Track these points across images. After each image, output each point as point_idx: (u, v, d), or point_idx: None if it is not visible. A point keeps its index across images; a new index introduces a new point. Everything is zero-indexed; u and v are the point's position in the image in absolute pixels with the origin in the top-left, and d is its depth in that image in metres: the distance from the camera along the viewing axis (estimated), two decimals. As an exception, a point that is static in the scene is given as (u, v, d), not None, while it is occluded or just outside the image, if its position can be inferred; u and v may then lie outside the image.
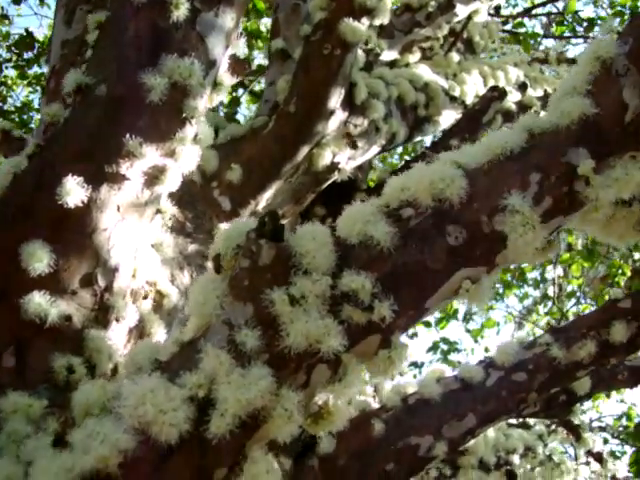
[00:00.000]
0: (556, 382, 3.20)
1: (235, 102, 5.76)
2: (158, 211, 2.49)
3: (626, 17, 5.30)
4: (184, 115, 2.32)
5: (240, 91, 6.48)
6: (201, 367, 1.78)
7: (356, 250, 1.90)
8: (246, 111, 8.56)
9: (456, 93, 4.27)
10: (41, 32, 8.18)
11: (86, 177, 2.18)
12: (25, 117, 8.23)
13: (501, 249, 1.94)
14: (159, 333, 2.55)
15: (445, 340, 7.44)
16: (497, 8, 5.40)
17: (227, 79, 2.56)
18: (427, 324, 7.40)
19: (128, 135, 2.23)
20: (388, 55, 4.15)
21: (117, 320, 2.35)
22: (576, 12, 5.48)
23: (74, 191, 2.13)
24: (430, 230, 1.93)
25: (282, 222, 1.88)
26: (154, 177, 2.31)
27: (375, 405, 3.16)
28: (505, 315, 8.48)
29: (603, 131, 2.00)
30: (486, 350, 7.82)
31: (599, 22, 5.51)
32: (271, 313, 1.80)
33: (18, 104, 8.25)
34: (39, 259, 2.13)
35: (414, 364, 7.41)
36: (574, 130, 2.00)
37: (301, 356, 1.80)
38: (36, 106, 8.23)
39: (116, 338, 2.36)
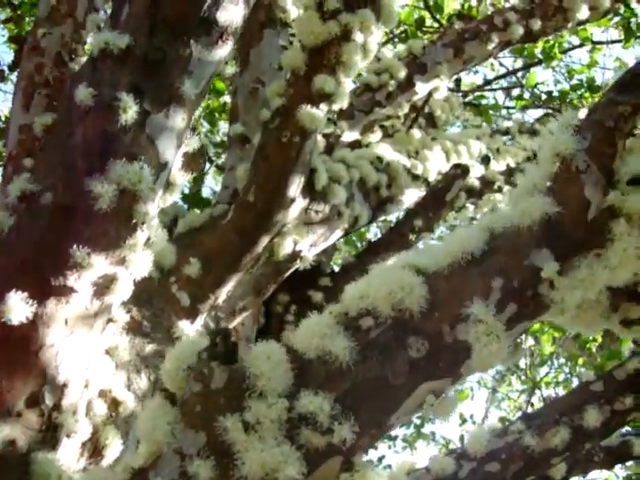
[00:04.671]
0: (530, 471, 3.11)
1: (200, 179, 5.70)
2: (110, 320, 2.39)
3: (583, 91, 5.37)
4: (134, 221, 2.23)
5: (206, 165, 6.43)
6: (151, 504, 1.67)
7: (314, 366, 1.82)
8: (212, 182, 8.51)
9: (418, 171, 4.24)
10: (6, 106, 8.12)
11: (31, 291, 2.08)
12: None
13: (465, 359, 1.86)
14: (115, 444, 2.44)
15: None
16: (457, 81, 5.43)
17: (180, 178, 2.49)
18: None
19: (75, 246, 2.14)
20: (349, 136, 4.11)
21: (68, 436, 2.23)
22: (535, 85, 5.53)
23: (18, 308, 2.03)
24: (391, 342, 1.85)
25: (234, 341, 1.80)
26: (104, 287, 2.22)
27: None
28: (479, 380, 8.41)
29: (566, 230, 1.95)
30: (461, 417, 7.71)
31: (557, 93, 5.56)
32: (225, 441, 1.70)
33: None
34: (-20, 382, 2.02)
35: (388, 436, 7.28)
36: (536, 231, 1.94)
37: (258, 486, 1.70)
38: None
39: (67, 455, 2.24)
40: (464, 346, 1.84)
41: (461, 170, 4.13)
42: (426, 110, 4.99)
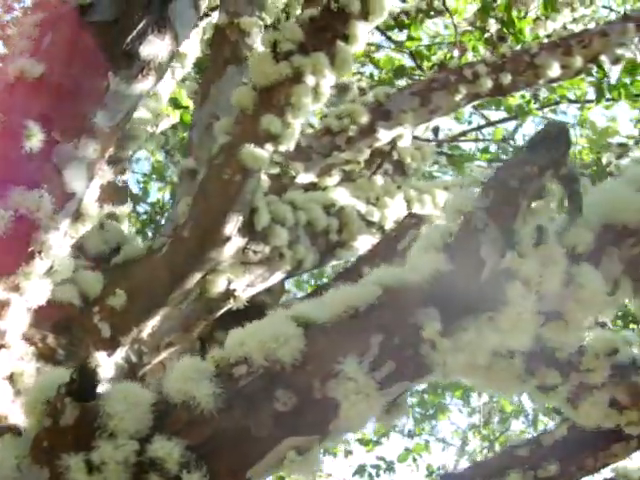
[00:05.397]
0: (448, 533, 3.05)
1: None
2: (2, 346, 2.36)
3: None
4: (31, 249, 2.22)
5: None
6: (-20, 542, 1.63)
7: (177, 410, 1.78)
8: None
9: (374, 218, 4.20)
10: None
11: None
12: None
13: (334, 417, 1.81)
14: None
15: (382, 459, 7.17)
16: (435, 130, 5.41)
17: (93, 209, 2.47)
18: (365, 442, 7.13)
19: (-36, 270, 2.12)
20: (305, 178, 4.10)
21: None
22: (503, 139, 5.53)
23: None
24: (258, 393, 1.80)
25: (95, 378, 1.75)
26: (-6, 312, 2.20)
27: None
28: (453, 432, 8.30)
29: (457, 290, 1.90)
30: (428, 468, 7.58)
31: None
32: (67, 481, 1.67)
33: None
34: None
35: (345, 485, 7.18)
36: (425, 288, 1.90)
37: (94, 531, 1.65)
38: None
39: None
40: (333, 403, 1.79)
41: (416, 219, 4.09)
42: (396, 157, 4.96)
